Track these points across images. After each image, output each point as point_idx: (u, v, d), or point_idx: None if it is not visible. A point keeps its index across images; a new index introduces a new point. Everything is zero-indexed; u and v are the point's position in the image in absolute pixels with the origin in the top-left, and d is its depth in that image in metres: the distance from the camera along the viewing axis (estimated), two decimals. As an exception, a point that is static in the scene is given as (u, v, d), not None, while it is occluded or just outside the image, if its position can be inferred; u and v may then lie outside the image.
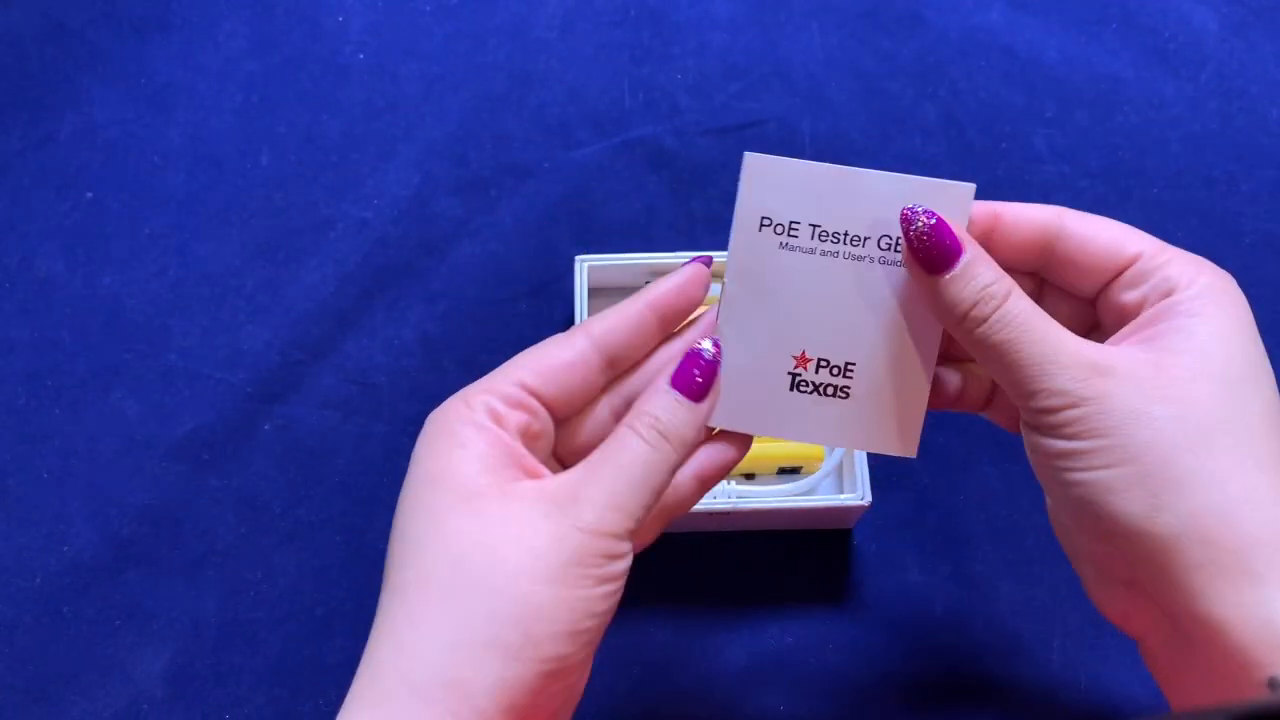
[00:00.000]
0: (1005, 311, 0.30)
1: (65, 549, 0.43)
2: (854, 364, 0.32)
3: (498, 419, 0.30)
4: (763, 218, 0.32)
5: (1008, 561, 0.44)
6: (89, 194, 0.50)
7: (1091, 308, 0.33)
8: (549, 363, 0.31)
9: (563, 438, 0.32)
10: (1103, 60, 0.55)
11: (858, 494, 0.41)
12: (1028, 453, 0.31)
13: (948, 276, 0.30)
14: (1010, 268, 0.31)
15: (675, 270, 0.33)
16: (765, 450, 0.42)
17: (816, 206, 0.32)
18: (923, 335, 0.32)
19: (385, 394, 0.46)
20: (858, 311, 0.32)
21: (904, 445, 0.33)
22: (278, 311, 0.47)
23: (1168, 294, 0.30)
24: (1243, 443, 0.28)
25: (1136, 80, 0.54)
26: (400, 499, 0.29)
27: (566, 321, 0.47)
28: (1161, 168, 0.52)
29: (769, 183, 0.32)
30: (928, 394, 0.33)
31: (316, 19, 0.55)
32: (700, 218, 0.50)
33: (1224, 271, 0.32)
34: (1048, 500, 0.32)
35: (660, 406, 0.30)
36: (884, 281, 0.32)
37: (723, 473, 0.33)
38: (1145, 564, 0.28)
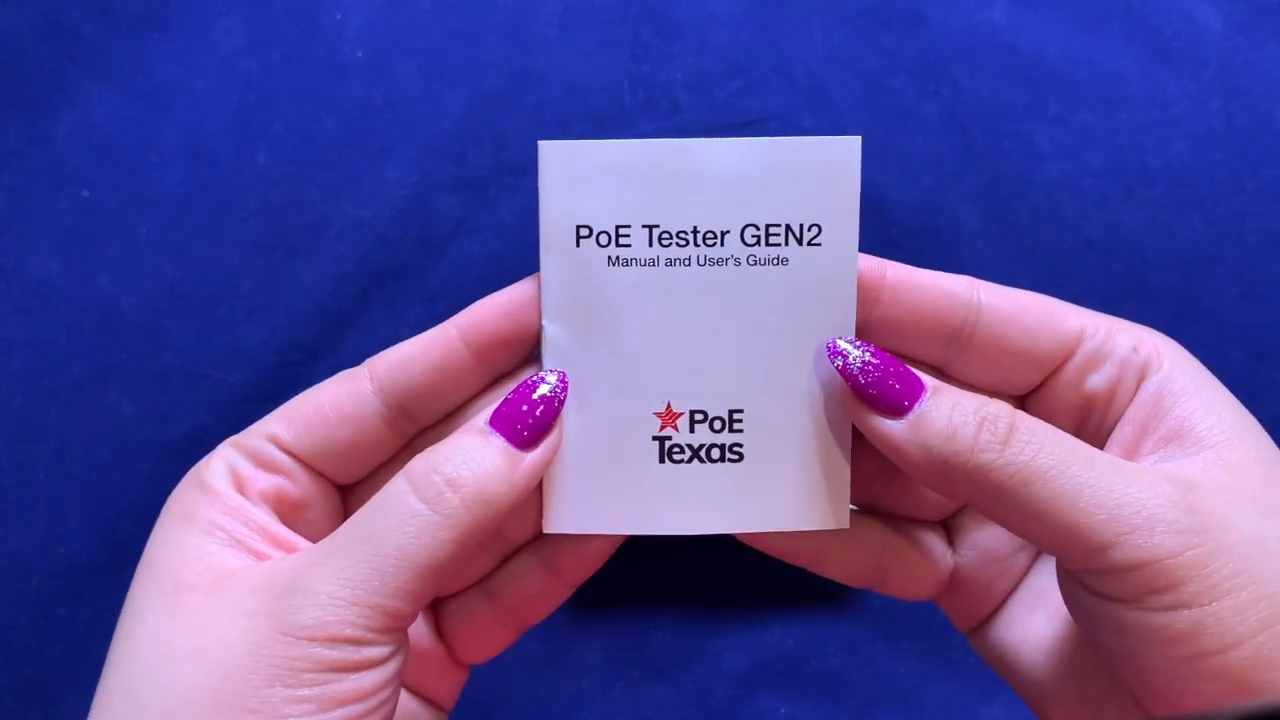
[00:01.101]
0: (1027, 432, 0.20)
1: (61, 550, 0.43)
2: (741, 411, 0.23)
3: (239, 483, 0.23)
4: (578, 227, 0.23)
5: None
6: (85, 193, 0.49)
7: (1017, 406, 0.25)
8: (309, 411, 0.24)
9: (355, 510, 0.24)
10: (1105, 58, 0.54)
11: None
12: (1092, 631, 0.22)
13: (918, 411, 0.21)
14: (903, 359, 0.23)
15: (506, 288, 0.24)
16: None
17: (648, 200, 0.23)
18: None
19: (383, 394, 0.46)
20: (732, 336, 0.23)
21: (831, 513, 0.24)
22: (275, 311, 0.47)
23: (1143, 373, 0.23)
24: None
25: (1139, 78, 0.54)
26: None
27: (566, 321, 0.47)
28: (1165, 166, 0.52)
29: (578, 177, 0.23)
30: (850, 433, 0.24)
31: (314, 16, 0.54)
32: (700, 217, 0.50)
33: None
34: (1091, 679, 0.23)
35: (456, 449, 0.22)
36: (759, 289, 0.23)
37: (590, 564, 0.26)
38: None
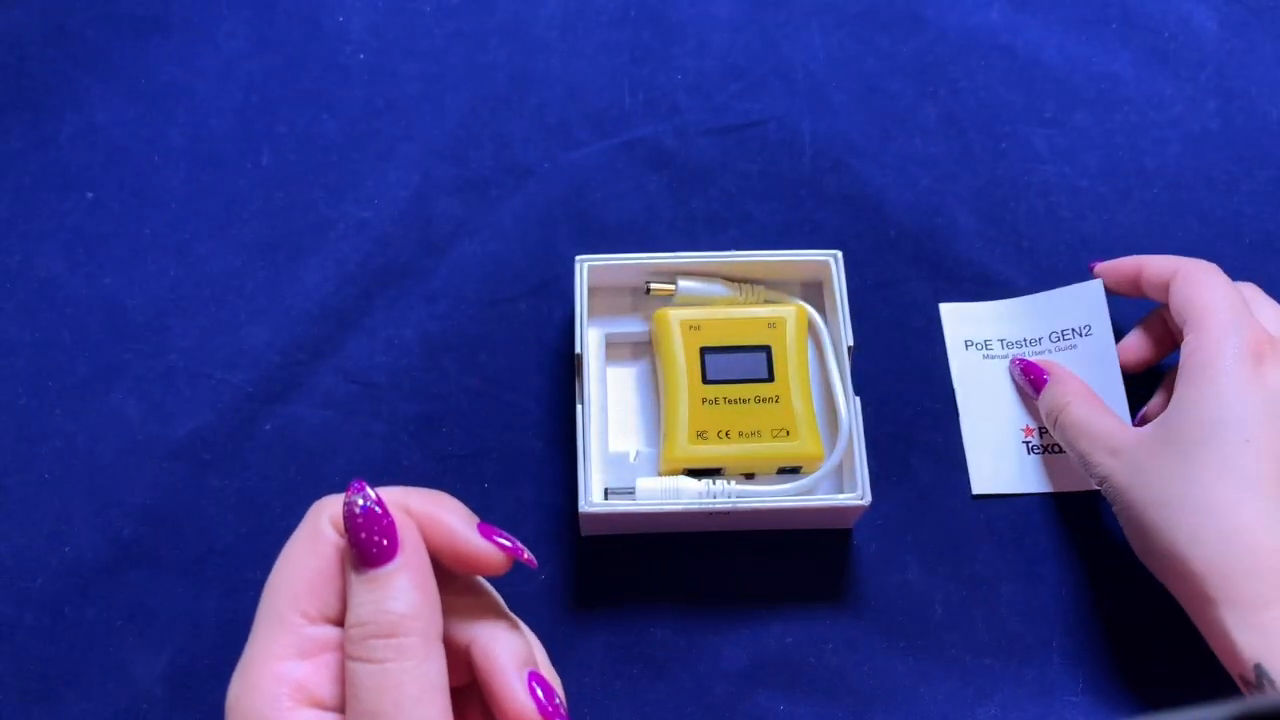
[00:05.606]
0: (1068, 416, 0.42)
1: (66, 549, 0.43)
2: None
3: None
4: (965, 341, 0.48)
5: (1008, 561, 0.44)
6: (89, 194, 0.50)
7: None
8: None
9: None
10: (1102, 60, 0.55)
11: (858, 494, 0.41)
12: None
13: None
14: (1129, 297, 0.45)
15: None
16: (763, 451, 0.42)
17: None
18: None
19: (385, 394, 0.46)
20: None
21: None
22: (278, 311, 0.47)
23: (1183, 325, 0.40)
24: (1250, 483, 0.36)
25: (1136, 80, 0.54)
26: None
27: (566, 321, 0.47)
28: (1161, 168, 0.52)
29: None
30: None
31: (316, 19, 0.55)
32: (700, 217, 0.50)
33: (1204, 263, 0.42)
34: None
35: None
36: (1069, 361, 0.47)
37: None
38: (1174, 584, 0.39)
